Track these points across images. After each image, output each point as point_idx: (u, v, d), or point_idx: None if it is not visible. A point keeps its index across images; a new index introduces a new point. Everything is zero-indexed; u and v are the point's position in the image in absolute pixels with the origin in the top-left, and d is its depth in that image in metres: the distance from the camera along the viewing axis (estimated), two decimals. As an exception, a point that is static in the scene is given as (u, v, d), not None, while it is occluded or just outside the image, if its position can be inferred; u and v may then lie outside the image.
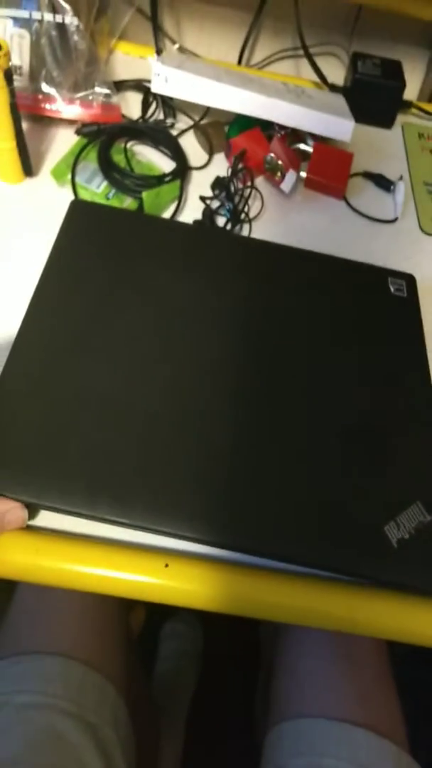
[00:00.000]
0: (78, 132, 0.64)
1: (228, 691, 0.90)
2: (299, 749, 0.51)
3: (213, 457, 0.41)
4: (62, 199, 0.57)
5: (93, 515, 0.38)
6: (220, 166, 0.68)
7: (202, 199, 0.61)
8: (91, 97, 0.65)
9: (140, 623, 0.91)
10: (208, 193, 0.63)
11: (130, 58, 0.77)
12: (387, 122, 0.77)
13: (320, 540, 0.39)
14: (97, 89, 0.66)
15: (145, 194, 0.58)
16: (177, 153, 0.65)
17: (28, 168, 0.60)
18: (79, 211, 0.54)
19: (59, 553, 0.39)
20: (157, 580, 0.39)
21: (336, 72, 0.85)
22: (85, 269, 0.50)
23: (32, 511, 0.40)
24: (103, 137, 0.63)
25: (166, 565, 0.39)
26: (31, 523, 0.41)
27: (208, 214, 0.60)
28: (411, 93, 0.78)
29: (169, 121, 0.70)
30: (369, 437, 0.44)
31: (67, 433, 0.40)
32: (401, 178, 0.68)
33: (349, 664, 0.56)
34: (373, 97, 0.75)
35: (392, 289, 0.54)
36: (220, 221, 0.61)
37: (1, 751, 0.45)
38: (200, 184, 0.65)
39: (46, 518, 0.41)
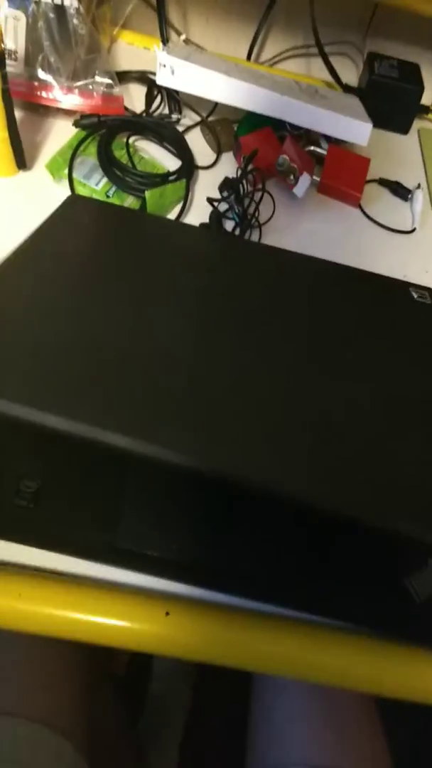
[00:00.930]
0: (76, 124, 0.59)
1: (221, 718, 0.85)
2: None
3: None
4: (58, 195, 0.52)
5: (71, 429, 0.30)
6: (228, 166, 0.63)
7: (210, 201, 0.57)
8: (91, 87, 0.60)
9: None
10: (215, 194, 0.59)
11: (134, 49, 0.73)
12: (403, 127, 0.73)
13: None
14: (98, 78, 0.61)
15: (148, 193, 0.53)
16: (183, 150, 0.61)
17: (22, 160, 0.55)
18: (75, 205, 0.49)
19: (47, 598, 0.34)
20: (158, 630, 0.34)
21: (348, 72, 0.81)
22: (72, 260, 0.43)
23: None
24: (104, 130, 0.59)
25: (167, 613, 0.34)
26: (7, 558, 0.36)
27: (216, 217, 0.56)
28: (426, 98, 0.74)
29: (174, 116, 0.65)
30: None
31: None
32: (419, 186, 0.64)
33: (329, 705, 0.51)
34: (390, 100, 0.71)
35: (415, 296, 0.50)
36: (228, 225, 0.57)
37: None
38: (206, 185, 0.60)
39: (24, 554, 0.36)
